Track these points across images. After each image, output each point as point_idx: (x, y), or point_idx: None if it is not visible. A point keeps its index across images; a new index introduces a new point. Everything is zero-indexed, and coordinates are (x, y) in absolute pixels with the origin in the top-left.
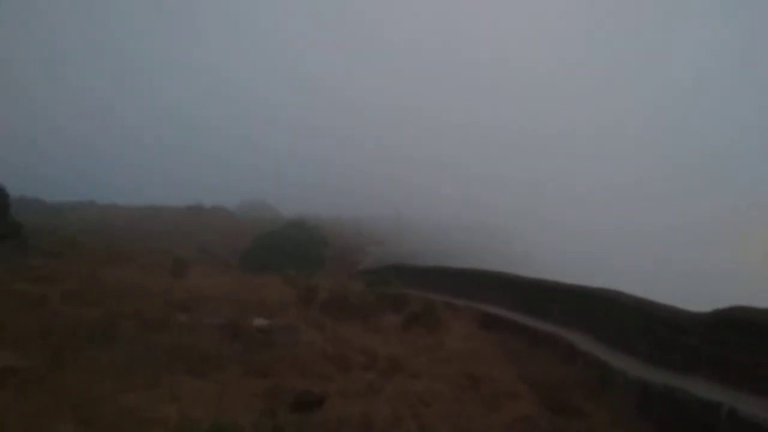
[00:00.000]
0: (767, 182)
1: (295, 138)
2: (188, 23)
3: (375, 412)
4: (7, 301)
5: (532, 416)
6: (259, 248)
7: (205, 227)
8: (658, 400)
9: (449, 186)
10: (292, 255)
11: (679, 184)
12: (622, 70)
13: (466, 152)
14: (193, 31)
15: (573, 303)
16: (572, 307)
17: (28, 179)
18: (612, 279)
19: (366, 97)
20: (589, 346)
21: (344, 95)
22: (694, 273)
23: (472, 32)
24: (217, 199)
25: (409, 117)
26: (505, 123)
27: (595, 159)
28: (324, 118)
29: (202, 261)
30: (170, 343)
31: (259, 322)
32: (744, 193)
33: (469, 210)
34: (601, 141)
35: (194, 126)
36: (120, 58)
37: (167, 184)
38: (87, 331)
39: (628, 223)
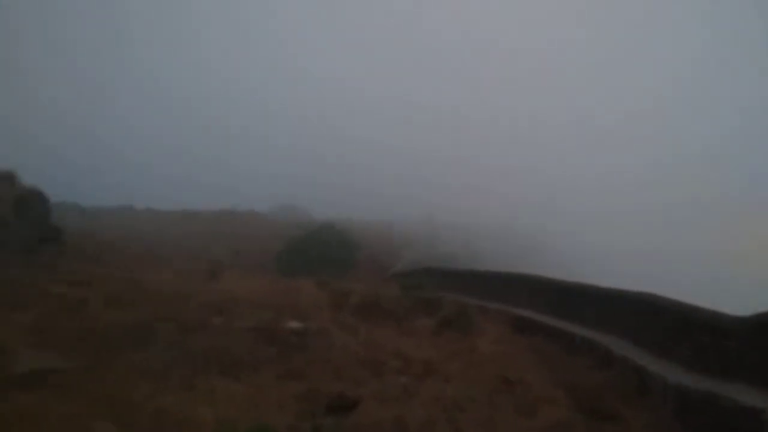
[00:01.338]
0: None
1: (326, 142)
2: (212, 29)
3: (409, 416)
4: (48, 304)
5: (568, 422)
6: (292, 252)
7: (239, 231)
8: (696, 405)
9: (482, 187)
10: (324, 258)
11: (683, 170)
12: (629, 60)
13: (496, 151)
14: (219, 39)
15: (609, 306)
16: (608, 310)
17: (67, 185)
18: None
19: (392, 97)
20: (625, 351)
21: (370, 97)
22: (692, 257)
23: (485, 30)
24: (251, 204)
25: (436, 117)
26: (525, 117)
27: (609, 148)
28: (354, 122)
29: (236, 264)
30: (206, 346)
31: (293, 325)
32: (745, 179)
33: (503, 211)
34: (611, 130)
35: (227, 132)
36: (146, 63)
37: (202, 189)
38: (125, 333)
39: (639, 210)
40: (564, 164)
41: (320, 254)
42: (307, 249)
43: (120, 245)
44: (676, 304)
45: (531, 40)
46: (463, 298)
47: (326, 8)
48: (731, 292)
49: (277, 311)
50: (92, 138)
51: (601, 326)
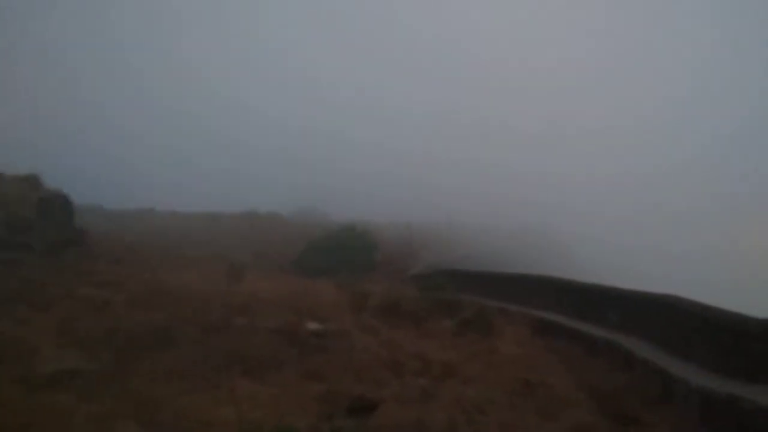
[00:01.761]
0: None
1: (346, 146)
2: (230, 34)
3: (430, 418)
4: (72, 305)
5: (591, 425)
6: (312, 253)
7: (261, 233)
8: (721, 409)
9: (501, 188)
10: (344, 260)
11: (686, 173)
12: (632, 63)
13: (515, 155)
14: (237, 45)
15: (630, 309)
16: (630, 312)
17: (90, 187)
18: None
19: (411, 105)
20: (648, 353)
21: (391, 105)
22: (696, 257)
23: (497, 34)
24: (272, 206)
25: (456, 123)
26: (541, 121)
27: (623, 149)
28: (374, 128)
29: (258, 266)
30: (228, 347)
31: (314, 326)
32: (746, 181)
33: (523, 213)
34: (625, 132)
35: (247, 135)
36: (164, 67)
37: (223, 192)
38: (149, 334)
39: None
40: (580, 166)
41: (340, 256)
42: (327, 251)
43: (143, 247)
44: (698, 306)
45: (542, 47)
46: (483, 299)
47: (339, 19)
48: (749, 293)
49: (297, 312)
50: (115, 141)
51: (622, 328)
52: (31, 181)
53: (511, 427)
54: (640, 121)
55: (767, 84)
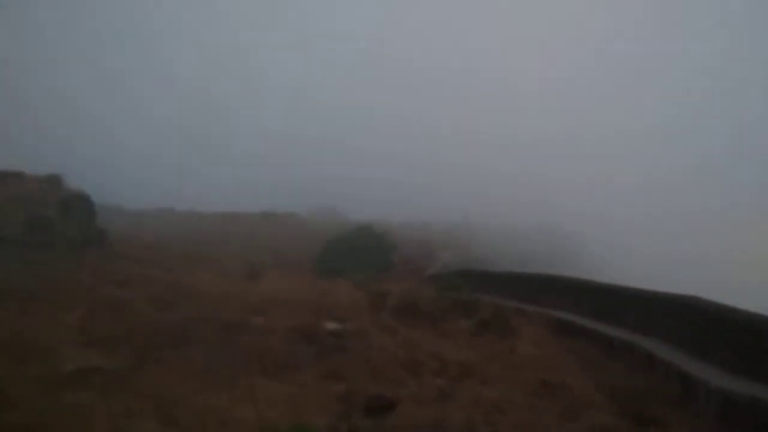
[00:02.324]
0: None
1: (363, 149)
2: (252, 30)
3: (448, 417)
4: (93, 304)
5: (610, 426)
6: (330, 253)
7: (278, 233)
8: (741, 411)
9: (518, 191)
10: (361, 260)
11: (691, 178)
12: (645, 69)
13: (532, 159)
14: (256, 43)
15: (650, 309)
16: (649, 313)
17: (111, 188)
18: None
19: (428, 114)
20: (667, 355)
21: (408, 114)
22: (699, 261)
23: (512, 44)
24: (289, 206)
25: (471, 129)
26: (552, 127)
27: (637, 153)
28: (394, 137)
29: (276, 265)
30: (246, 346)
31: (332, 326)
32: (748, 186)
33: (539, 214)
34: (632, 138)
35: (265, 135)
36: (182, 68)
37: (242, 192)
38: (168, 333)
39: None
40: (595, 170)
41: (358, 256)
42: (344, 250)
43: (162, 246)
44: (718, 307)
45: (557, 55)
46: (501, 300)
47: (357, 39)
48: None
49: (315, 312)
50: (135, 142)
51: (642, 329)
52: (53, 182)
53: (530, 427)
54: (651, 125)
55: None
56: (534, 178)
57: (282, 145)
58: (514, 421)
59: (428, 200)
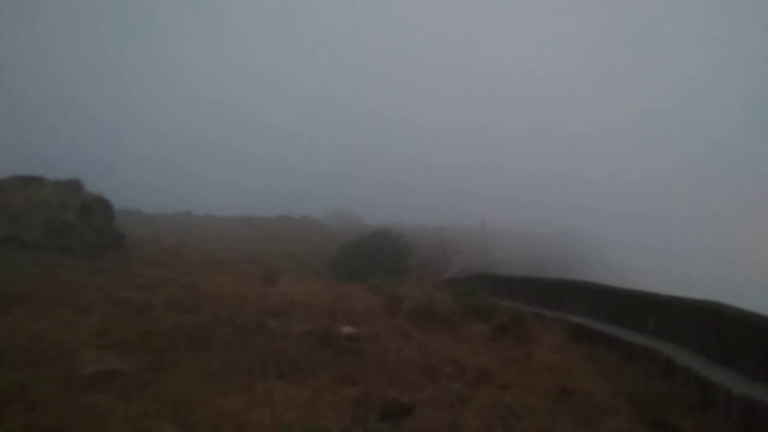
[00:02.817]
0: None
1: (379, 153)
2: (273, 33)
3: (465, 422)
4: (112, 307)
5: None
6: (346, 257)
7: (295, 236)
8: (762, 417)
9: (535, 194)
10: (377, 263)
11: (688, 173)
12: (656, 64)
13: (547, 158)
14: (275, 47)
15: (670, 315)
16: (669, 319)
17: (129, 192)
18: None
19: (444, 119)
20: (688, 361)
21: (426, 120)
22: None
23: (523, 46)
24: (306, 209)
25: (487, 132)
26: (572, 127)
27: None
28: (411, 142)
29: (292, 269)
30: (263, 349)
31: (348, 329)
32: (750, 181)
33: (557, 217)
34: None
35: (281, 139)
36: (199, 72)
37: (258, 196)
38: (186, 336)
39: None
40: (613, 169)
41: (373, 259)
42: (360, 254)
43: (180, 250)
44: (739, 312)
45: (568, 55)
46: (518, 305)
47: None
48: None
49: (331, 316)
50: (152, 147)
51: (661, 335)
52: (73, 186)
53: None
54: (651, 119)
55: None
56: (553, 178)
57: (298, 150)
58: (531, 426)
59: (445, 204)
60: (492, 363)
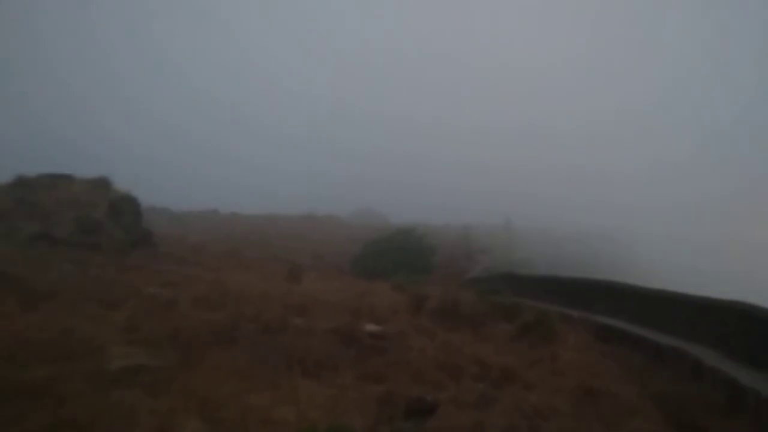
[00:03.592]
0: None
1: (404, 151)
2: (292, 39)
3: (489, 422)
4: (140, 304)
5: None
6: (369, 255)
7: (319, 234)
8: None
9: (562, 192)
10: (400, 262)
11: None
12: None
13: (572, 158)
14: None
15: (698, 316)
16: (698, 320)
17: (156, 190)
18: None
19: (469, 120)
20: (716, 362)
21: (453, 121)
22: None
23: (536, 45)
24: (329, 208)
25: (512, 130)
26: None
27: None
28: (431, 133)
29: (316, 267)
30: (288, 346)
31: (371, 328)
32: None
33: (584, 216)
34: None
35: (306, 139)
36: (219, 75)
37: (283, 194)
38: (212, 333)
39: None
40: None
41: (397, 258)
42: (384, 252)
43: (206, 247)
44: None
45: (583, 55)
46: (543, 304)
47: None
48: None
49: (355, 314)
50: (180, 146)
51: (689, 336)
52: (102, 185)
53: None
54: (651, 108)
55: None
56: (581, 175)
57: (324, 151)
58: (557, 427)
59: (469, 203)
60: (517, 363)
